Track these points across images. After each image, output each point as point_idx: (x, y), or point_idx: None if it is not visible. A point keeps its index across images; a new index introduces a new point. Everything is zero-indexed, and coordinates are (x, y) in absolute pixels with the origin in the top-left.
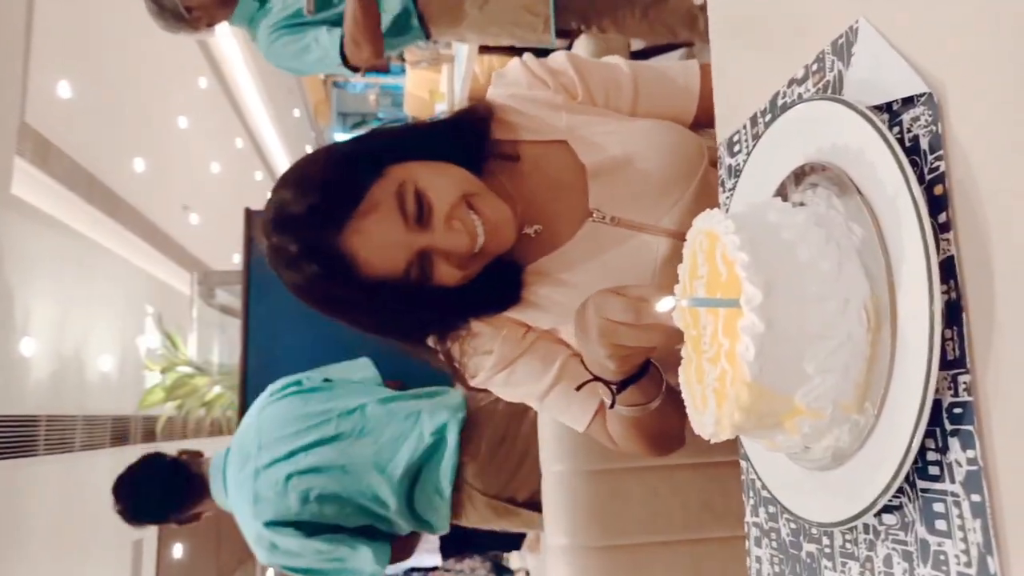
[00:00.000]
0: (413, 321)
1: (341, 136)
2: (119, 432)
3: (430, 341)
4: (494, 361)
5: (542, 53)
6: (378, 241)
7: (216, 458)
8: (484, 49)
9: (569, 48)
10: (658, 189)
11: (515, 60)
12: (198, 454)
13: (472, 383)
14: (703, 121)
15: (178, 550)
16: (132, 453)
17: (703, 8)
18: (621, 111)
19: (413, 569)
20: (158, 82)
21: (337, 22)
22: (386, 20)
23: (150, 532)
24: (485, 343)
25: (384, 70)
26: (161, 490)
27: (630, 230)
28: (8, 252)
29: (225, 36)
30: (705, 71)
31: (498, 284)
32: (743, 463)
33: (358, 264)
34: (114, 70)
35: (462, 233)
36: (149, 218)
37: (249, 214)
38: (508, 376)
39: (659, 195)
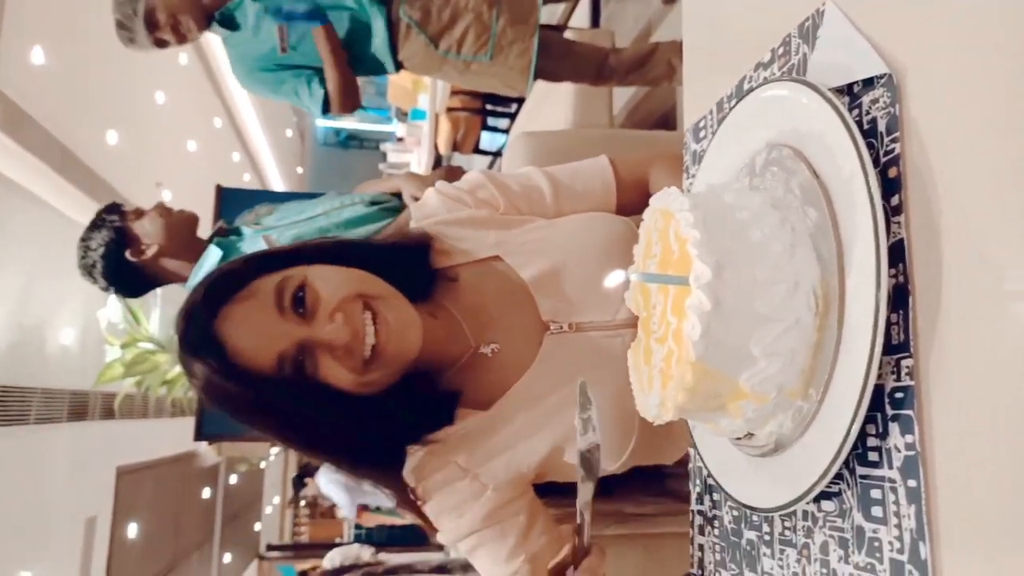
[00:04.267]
0: (325, 431)
1: (323, 122)
2: (77, 407)
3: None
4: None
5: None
6: (247, 329)
7: None
8: None
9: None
10: (603, 285)
11: (429, 191)
12: None
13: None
14: (628, 211)
15: (132, 530)
16: (90, 429)
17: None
18: (546, 215)
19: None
20: (136, 55)
21: (311, 66)
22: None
23: (104, 510)
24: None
25: None
26: None
27: (590, 332)
28: None
29: None
30: (615, 164)
31: (426, 401)
32: (691, 450)
33: (229, 351)
34: (91, 39)
35: (341, 327)
36: (120, 192)
37: (219, 190)
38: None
39: (606, 291)
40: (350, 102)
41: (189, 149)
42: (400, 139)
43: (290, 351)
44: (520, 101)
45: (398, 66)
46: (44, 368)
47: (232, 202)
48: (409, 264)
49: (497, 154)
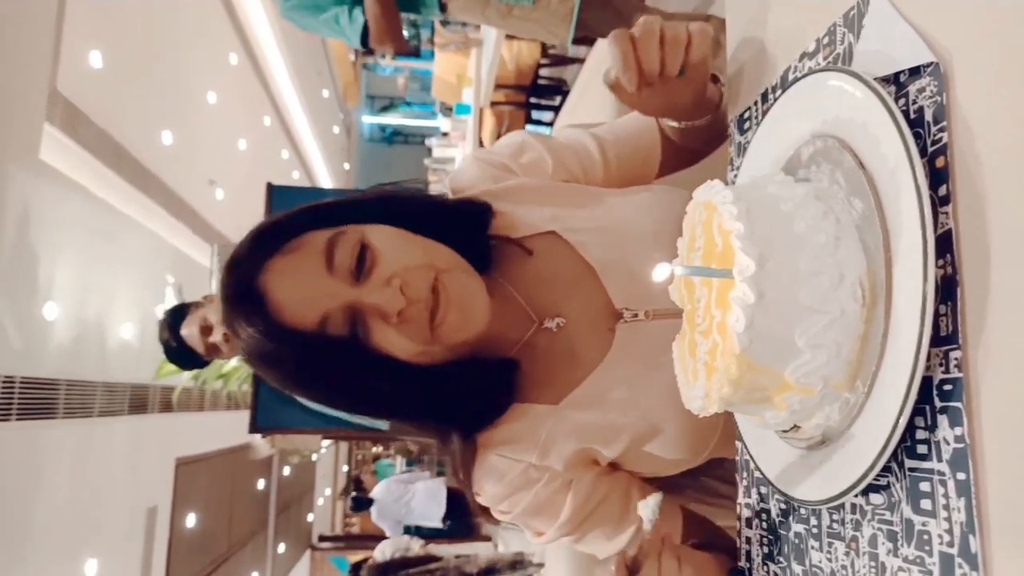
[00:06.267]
0: (373, 396)
1: (368, 119)
2: (138, 401)
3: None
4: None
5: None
6: (291, 283)
7: None
8: (512, 35)
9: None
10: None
11: (467, 157)
12: None
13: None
14: (668, 169)
15: (191, 519)
16: (150, 422)
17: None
18: (597, 178)
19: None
20: (189, 57)
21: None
22: None
23: (164, 500)
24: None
25: (415, 54)
26: None
27: (667, 320)
28: (35, 217)
29: (257, 15)
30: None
31: (486, 381)
32: (738, 444)
33: (271, 306)
34: (146, 43)
35: (396, 293)
36: (175, 190)
37: (270, 188)
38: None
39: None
40: (390, 34)
41: (240, 148)
42: (445, 134)
43: (336, 312)
44: (564, 94)
45: (442, 7)
46: (105, 363)
47: (282, 199)
48: (469, 231)
49: None
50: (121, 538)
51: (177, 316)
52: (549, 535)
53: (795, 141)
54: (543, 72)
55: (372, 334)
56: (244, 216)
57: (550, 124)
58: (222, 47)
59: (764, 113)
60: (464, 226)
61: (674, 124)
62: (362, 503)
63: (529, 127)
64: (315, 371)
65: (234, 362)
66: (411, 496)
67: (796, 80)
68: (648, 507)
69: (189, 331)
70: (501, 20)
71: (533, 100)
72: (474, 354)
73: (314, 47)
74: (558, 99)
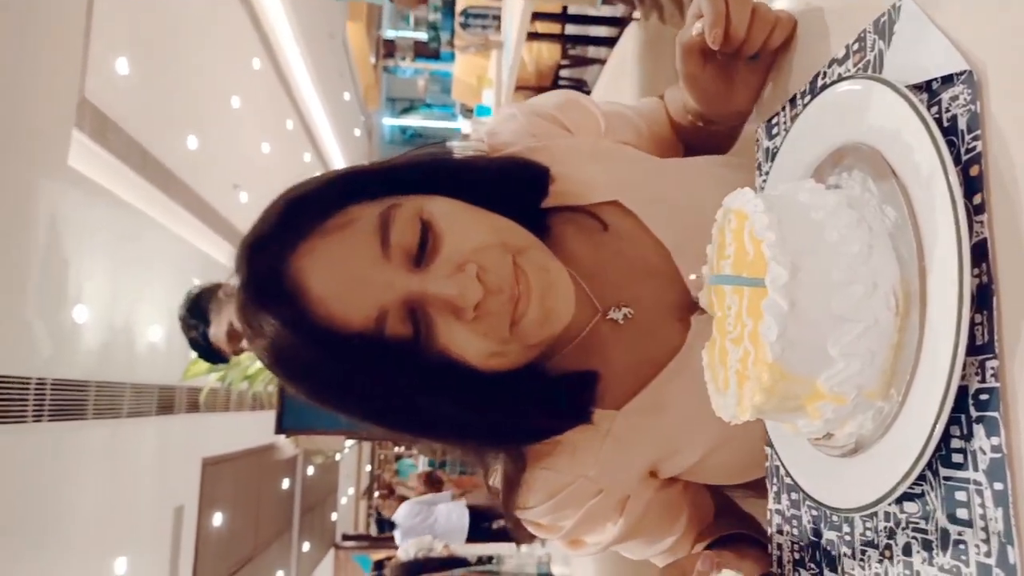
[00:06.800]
0: (430, 413)
1: (389, 121)
2: (165, 402)
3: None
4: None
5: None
6: (338, 271)
7: None
8: (532, 36)
9: (618, 36)
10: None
11: (504, 112)
12: None
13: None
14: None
15: (217, 519)
16: (177, 423)
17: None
18: (640, 148)
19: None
20: (213, 62)
21: None
22: None
23: (191, 499)
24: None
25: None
26: None
27: None
28: (64, 222)
29: (279, 19)
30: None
31: (564, 393)
32: (767, 449)
33: (310, 301)
34: (171, 49)
35: (473, 282)
36: (200, 195)
37: None
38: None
39: None
40: None
41: (263, 151)
42: (466, 136)
43: (395, 306)
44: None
45: None
46: (133, 364)
47: None
48: (523, 199)
49: None
50: (149, 536)
51: (196, 312)
52: (588, 550)
53: (825, 148)
54: (563, 73)
55: (438, 332)
56: None
57: None
58: (245, 52)
59: (793, 119)
60: (519, 193)
61: (693, 118)
62: (384, 527)
63: None
64: (365, 382)
65: (259, 364)
66: (434, 519)
67: (826, 86)
68: None
69: (216, 332)
70: None
71: None
72: (542, 355)
73: (336, 50)
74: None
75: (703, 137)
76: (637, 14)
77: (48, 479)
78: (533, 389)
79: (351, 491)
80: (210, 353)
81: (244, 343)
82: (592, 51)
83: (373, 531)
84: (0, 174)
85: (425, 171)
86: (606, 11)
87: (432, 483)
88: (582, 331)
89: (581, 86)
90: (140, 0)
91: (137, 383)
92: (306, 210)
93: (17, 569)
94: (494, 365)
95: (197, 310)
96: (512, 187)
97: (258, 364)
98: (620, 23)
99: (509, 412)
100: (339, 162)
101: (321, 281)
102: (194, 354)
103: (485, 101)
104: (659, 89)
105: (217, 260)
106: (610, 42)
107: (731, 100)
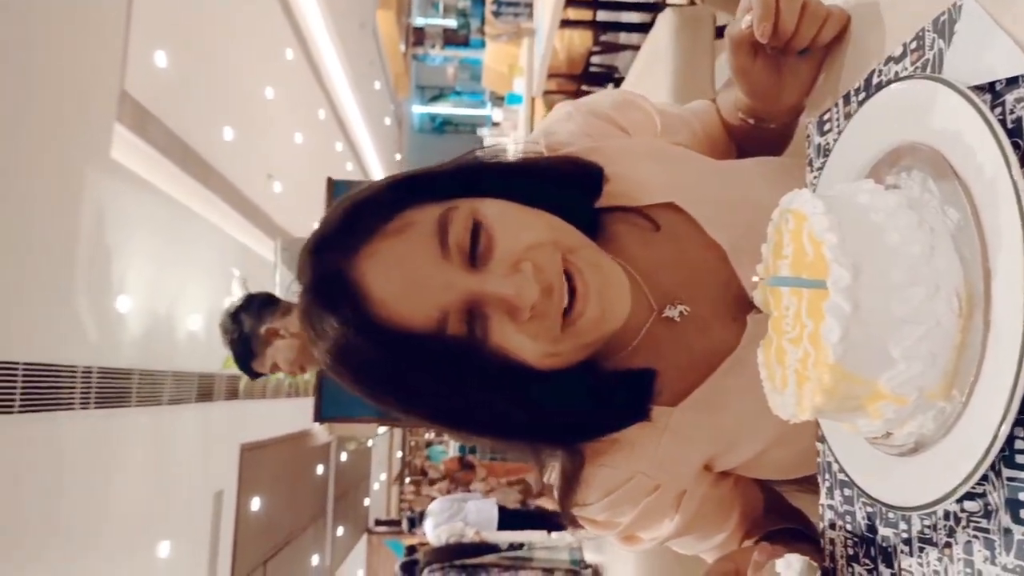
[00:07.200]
0: (488, 411)
1: (419, 108)
2: (205, 389)
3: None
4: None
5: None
6: (401, 273)
7: None
8: (565, 23)
9: (651, 22)
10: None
11: (560, 111)
12: None
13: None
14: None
15: (255, 503)
16: (216, 410)
17: None
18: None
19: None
20: (247, 53)
21: None
22: None
23: (230, 485)
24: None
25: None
26: None
27: None
28: (107, 214)
29: (311, 9)
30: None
31: (623, 392)
32: (820, 445)
33: (372, 302)
34: (207, 42)
35: (530, 281)
36: (237, 185)
37: (331, 183)
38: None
39: None
40: None
41: (296, 141)
42: (496, 124)
43: (455, 306)
44: (617, 81)
45: None
46: (174, 353)
47: (343, 194)
48: (578, 199)
49: None
50: (190, 521)
51: (244, 347)
52: (643, 546)
53: (882, 147)
54: (594, 60)
55: (493, 332)
56: (301, 209)
57: None
58: (278, 42)
59: (848, 116)
60: (572, 194)
61: (744, 115)
62: (414, 523)
63: None
64: (428, 382)
65: None
66: (464, 513)
67: (882, 85)
68: (793, 570)
69: (260, 365)
70: None
71: (584, 88)
72: (597, 354)
73: (366, 39)
74: (610, 86)
75: (756, 138)
76: None
77: (94, 464)
78: (592, 387)
79: (383, 477)
80: (249, 370)
81: (281, 370)
82: (624, 37)
83: (404, 527)
84: (46, 167)
85: (480, 173)
86: None
87: (464, 467)
88: (639, 331)
89: (612, 73)
90: None
91: (178, 371)
92: (367, 214)
93: (67, 552)
94: (549, 364)
95: (244, 347)
96: (566, 187)
97: None
98: (653, 8)
99: (569, 410)
100: (369, 151)
101: (383, 283)
102: None
103: (516, 89)
104: (693, 76)
105: (254, 250)
106: (642, 28)
107: (782, 94)
